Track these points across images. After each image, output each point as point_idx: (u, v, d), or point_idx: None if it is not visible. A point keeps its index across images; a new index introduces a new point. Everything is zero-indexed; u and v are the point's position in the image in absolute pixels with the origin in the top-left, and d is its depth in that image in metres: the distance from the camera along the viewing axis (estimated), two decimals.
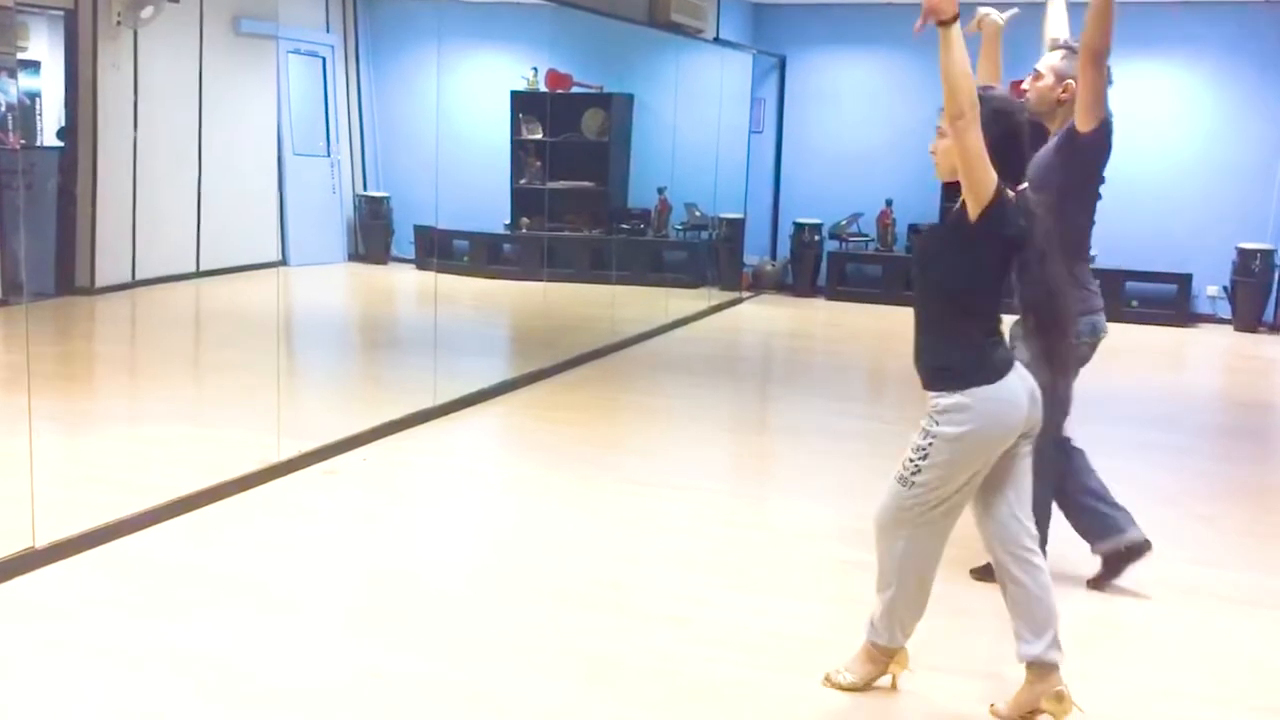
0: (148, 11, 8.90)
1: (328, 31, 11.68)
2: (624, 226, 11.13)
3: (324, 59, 11.61)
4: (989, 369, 3.01)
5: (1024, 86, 4.06)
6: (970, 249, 3.02)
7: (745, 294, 11.36)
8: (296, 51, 11.26)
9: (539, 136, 11.00)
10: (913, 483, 3.05)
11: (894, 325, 10.15)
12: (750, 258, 11.73)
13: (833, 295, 11.31)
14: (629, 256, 10.71)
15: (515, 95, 11.06)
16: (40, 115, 10.01)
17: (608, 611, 3.74)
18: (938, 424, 3.01)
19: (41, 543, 3.86)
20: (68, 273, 8.98)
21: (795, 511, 4.92)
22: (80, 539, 3.99)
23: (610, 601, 3.82)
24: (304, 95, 11.47)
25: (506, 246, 11.31)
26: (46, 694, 3.07)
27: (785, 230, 11.76)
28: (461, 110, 11.15)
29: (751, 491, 5.30)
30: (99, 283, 9.08)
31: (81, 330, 8.62)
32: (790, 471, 5.80)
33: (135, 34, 9.19)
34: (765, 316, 10.62)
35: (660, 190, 11.10)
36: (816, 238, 11.47)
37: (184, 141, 9.85)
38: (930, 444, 3.02)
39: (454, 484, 5.09)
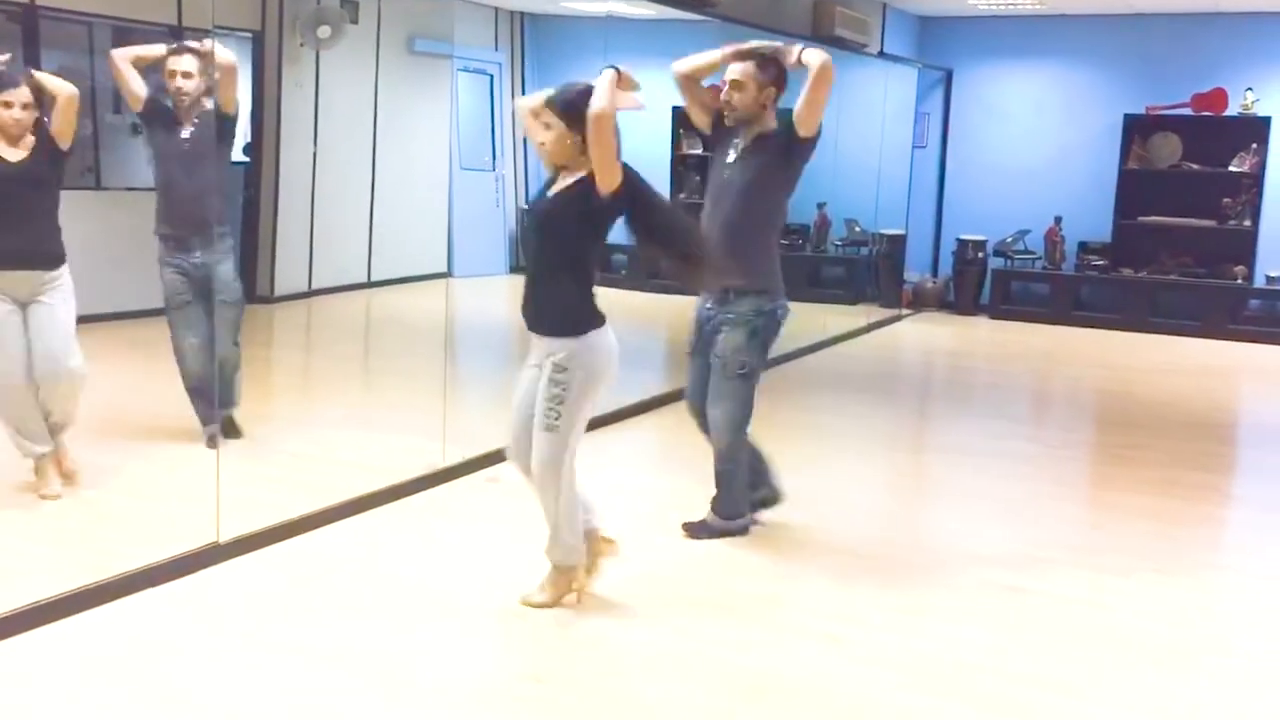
0: (324, 30, 9.29)
1: (496, 49, 12.00)
2: (782, 242, 11.05)
3: (491, 76, 11.93)
4: (597, 317, 3.61)
5: (724, 97, 4.42)
6: (591, 218, 3.55)
7: (905, 311, 11.17)
8: (465, 69, 11.60)
9: (699, 152, 11.06)
10: (557, 428, 3.54)
11: (1061, 345, 9.86)
12: (911, 274, 11.54)
13: (996, 314, 11.03)
14: (787, 272, 10.51)
15: (676, 111, 11.15)
16: None
17: (766, 627, 3.73)
18: (566, 369, 3.53)
19: (225, 538, 4.08)
20: (250, 282, 9.42)
21: (955, 533, 4.81)
22: (260, 535, 4.20)
23: (768, 617, 3.81)
24: (472, 111, 11.80)
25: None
26: (223, 682, 3.23)
27: (948, 247, 11.52)
28: (622, 125, 11.26)
29: (910, 512, 5.21)
30: (278, 292, 9.50)
31: (261, 337, 9.04)
32: (950, 492, 5.68)
33: (317, 55, 9.62)
34: (925, 335, 10.43)
35: (820, 205, 11.01)
36: (981, 254, 11.20)
37: (359, 157, 10.26)
38: (563, 389, 3.53)
39: (612, 495, 5.14)
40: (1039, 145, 11.18)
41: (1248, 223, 10.27)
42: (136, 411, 5.78)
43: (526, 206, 3.65)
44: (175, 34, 8.52)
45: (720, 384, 4.39)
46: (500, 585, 3.93)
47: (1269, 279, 10.24)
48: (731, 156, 4.39)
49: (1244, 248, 10.30)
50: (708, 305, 4.46)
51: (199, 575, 3.91)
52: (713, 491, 4.51)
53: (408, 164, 10.63)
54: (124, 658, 3.35)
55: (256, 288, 9.42)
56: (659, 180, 11.34)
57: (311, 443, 5.72)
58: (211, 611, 3.68)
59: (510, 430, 3.75)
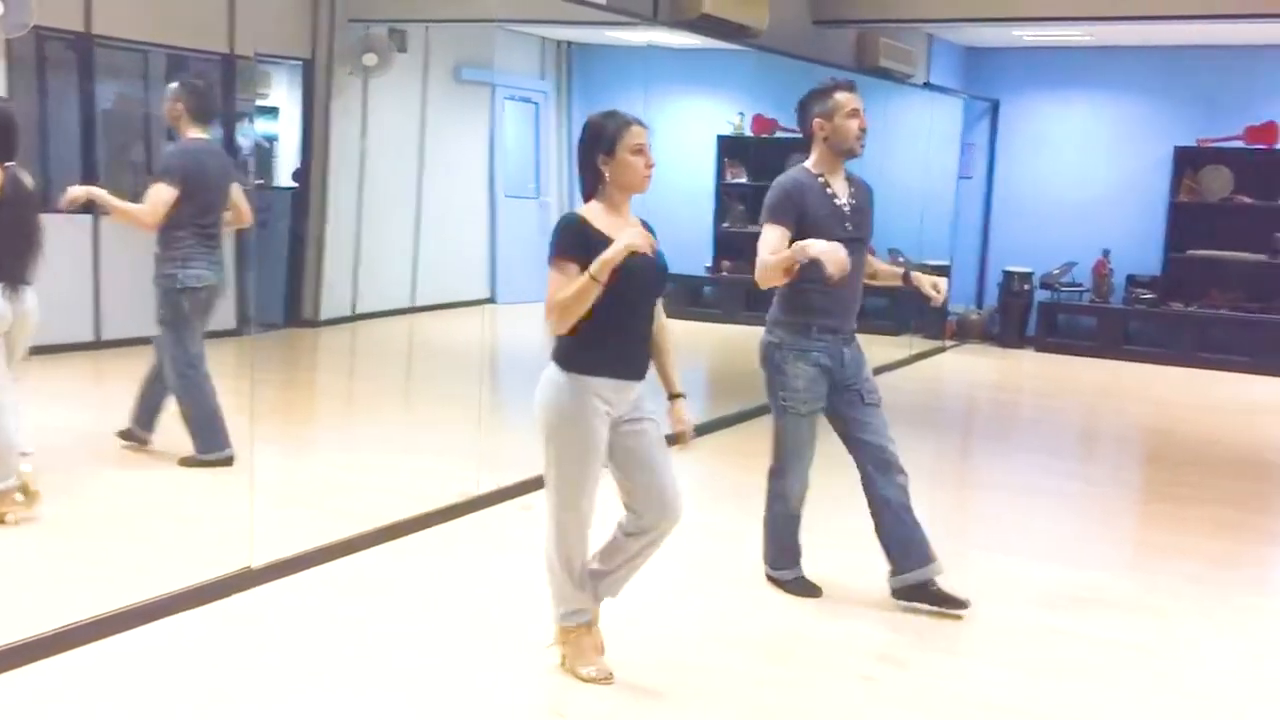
0: (369, 58, 9.41)
1: (541, 78, 12.08)
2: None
3: (537, 105, 12.01)
4: None
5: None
6: None
7: (949, 343, 11.07)
8: (512, 98, 11.68)
9: (744, 180, 11.06)
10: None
11: (1107, 380, 9.71)
12: (955, 306, 11.43)
13: (1042, 347, 10.90)
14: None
15: (721, 139, 11.17)
16: (277, 158, 10.69)
17: (798, 665, 3.68)
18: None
19: (258, 563, 4.09)
20: (296, 305, 9.53)
21: (996, 571, 4.73)
22: (294, 560, 4.21)
23: (801, 655, 3.77)
24: (517, 139, 11.88)
25: (707, 289, 11.38)
26: (253, 710, 3.23)
27: (993, 278, 11.42)
28: (667, 154, 11.23)
29: (950, 548, 5.10)
30: (323, 316, 9.60)
31: (305, 361, 9.13)
32: (991, 529, 5.59)
33: (365, 82, 9.74)
34: (969, 367, 10.32)
35: None
36: (1026, 286, 11.08)
37: (405, 183, 10.35)
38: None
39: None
40: (1087, 177, 11.07)
41: None
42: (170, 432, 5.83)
43: (634, 257, 3.21)
44: (228, 62, 8.68)
45: (884, 416, 4.16)
46: (529, 615, 3.91)
47: None
48: (848, 207, 4.13)
49: None
50: (833, 351, 4.07)
51: (231, 600, 3.92)
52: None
53: (453, 190, 10.72)
54: (155, 683, 3.36)
55: (302, 311, 9.53)
56: (704, 209, 11.35)
57: (349, 467, 5.74)
58: (243, 636, 3.69)
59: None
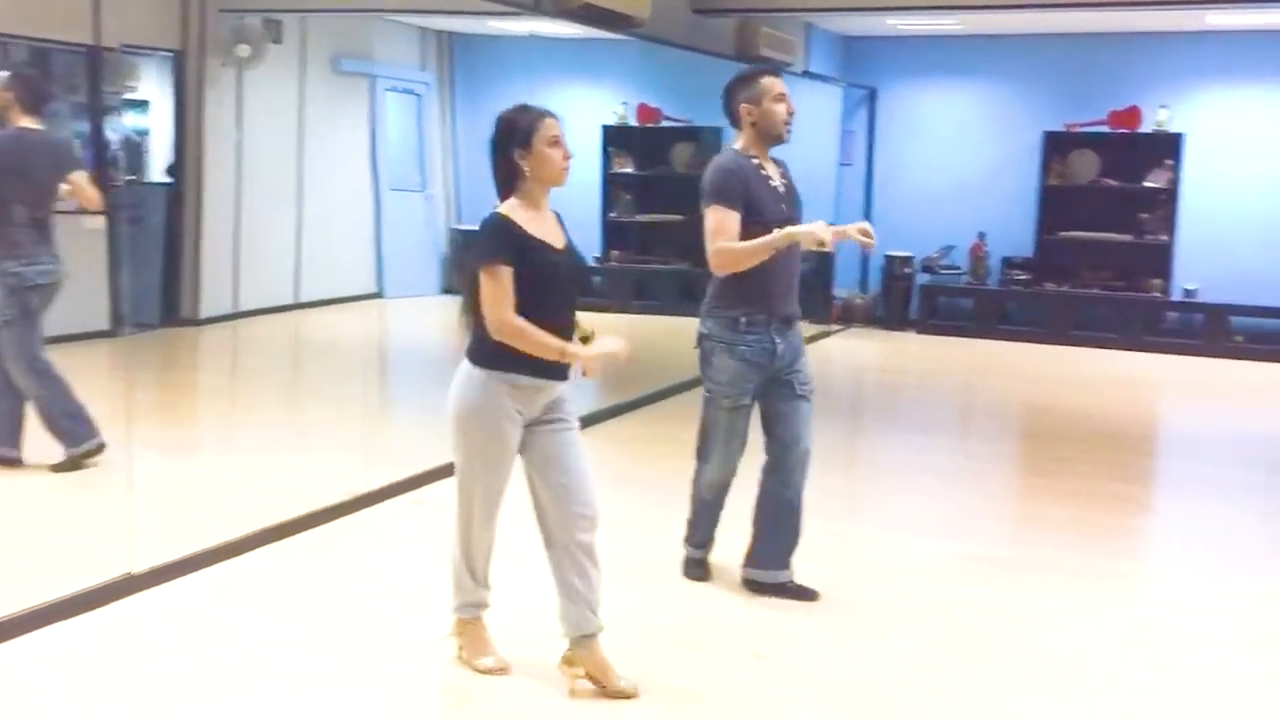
0: (243, 49, 9.19)
1: (423, 69, 11.93)
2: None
3: (419, 96, 11.87)
4: None
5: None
6: None
7: (835, 327, 11.27)
8: (394, 89, 11.52)
9: (629, 170, 11.09)
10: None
11: (986, 359, 10.00)
12: (840, 291, 11.65)
13: (924, 329, 11.17)
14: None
15: (606, 129, 11.18)
16: (149, 153, 10.37)
17: (691, 648, 3.72)
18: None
19: (140, 568, 3.98)
20: (174, 304, 9.26)
21: (884, 549, 4.84)
22: (177, 565, 4.10)
23: (695, 638, 3.81)
24: (400, 132, 11.72)
25: (597, 279, 11.40)
26: (138, 715, 3.15)
27: (876, 263, 11.66)
28: None
29: (840, 528, 5.23)
30: (202, 314, 9.35)
31: (185, 361, 8.88)
32: (879, 507, 5.72)
33: (239, 74, 9.50)
34: (855, 350, 10.53)
35: None
36: (907, 270, 11.35)
37: (285, 177, 10.13)
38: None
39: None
40: (963, 162, 11.37)
41: (1164, 237, 10.52)
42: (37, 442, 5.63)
43: (550, 249, 3.28)
44: (93, 54, 8.38)
45: (808, 410, 4.15)
46: (424, 609, 3.88)
47: (1186, 292, 10.48)
48: (782, 188, 4.13)
49: (1161, 261, 10.55)
50: (764, 344, 4.02)
51: (114, 606, 3.81)
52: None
53: (335, 184, 10.53)
54: (34, 695, 3.25)
55: (180, 310, 9.27)
56: (591, 199, 11.36)
57: (233, 468, 5.62)
58: (127, 644, 3.59)
59: None
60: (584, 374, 3.38)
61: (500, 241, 3.20)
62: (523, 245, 3.20)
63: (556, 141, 3.28)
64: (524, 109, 3.30)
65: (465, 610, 3.46)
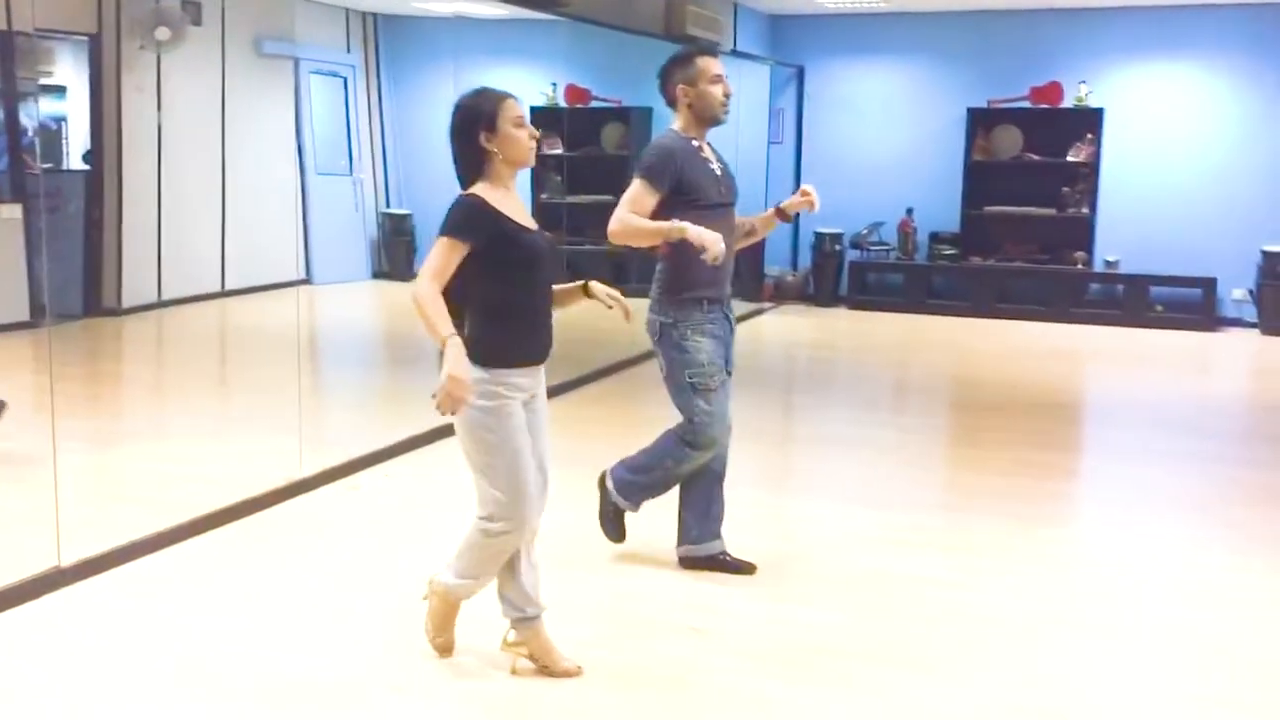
0: (162, 32, 9.00)
1: (348, 51, 11.78)
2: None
3: (345, 79, 11.71)
4: None
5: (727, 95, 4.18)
6: None
7: (767, 305, 11.36)
8: (318, 72, 11.36)
9: (558, 151, 11.05)
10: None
11: (916, 333, 10.14)
12: (771, 268, 11.73)
13: (854, 304, 11.30)
14: (649, 269, 10.70)
15: (535, 111, 11.12)
16: (66, 139, 10.12)
17: (628, 623, 3.74)
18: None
19: (67, 561, 3.91)
20: (96, 294, 9.08)
21: (818, 520, 4.91)
22: (106, 557, 4.04)
23: (630, 612, 3.83)
24: (326, 115, 11.56)
25: None
26: (69, 713, 3.10)
27: (806, 240, 11.76)
28: None
29: (775, 501, 5.29)
30: (126, 303, 9.18)
31: (108, 350, 8.71)
32: (813, 480, 5.79)
33: (158, 57, 9.30)
34: (787, 327, 10.62)
35: None
36: (838, 247, 11.47)
37: (208, 162, 9.96)
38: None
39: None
40: (889, 139, 11.49)
41: (1086, 210, 10.74)
42: None
43: (527, 230, 3.25)
44: (6, 38, 8.15)
45: (730, 386, 4.16)
46: (362, 592, 3.86)
47: (1107, 263, 10.71)
48: (719, 171, 4.15)
49: (1083, 234, 10.77)
50: (721, 321, 4.09)
51: (39, 601, 3.74)
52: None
53: (260, 168, 10.36)
54: None
55: (102, 300, 9.08)
56: (520, 181, 11.30)
57: (161, 459, 5.53)
58: (55, 639, 3.53)
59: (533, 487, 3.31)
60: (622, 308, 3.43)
61: (475, 223, 3.15)
62: (501, 229, 3.16)
63: (520, 122, 3.25)
64: (482, 93, 3.26)
65: (459, 589, 3.37)
